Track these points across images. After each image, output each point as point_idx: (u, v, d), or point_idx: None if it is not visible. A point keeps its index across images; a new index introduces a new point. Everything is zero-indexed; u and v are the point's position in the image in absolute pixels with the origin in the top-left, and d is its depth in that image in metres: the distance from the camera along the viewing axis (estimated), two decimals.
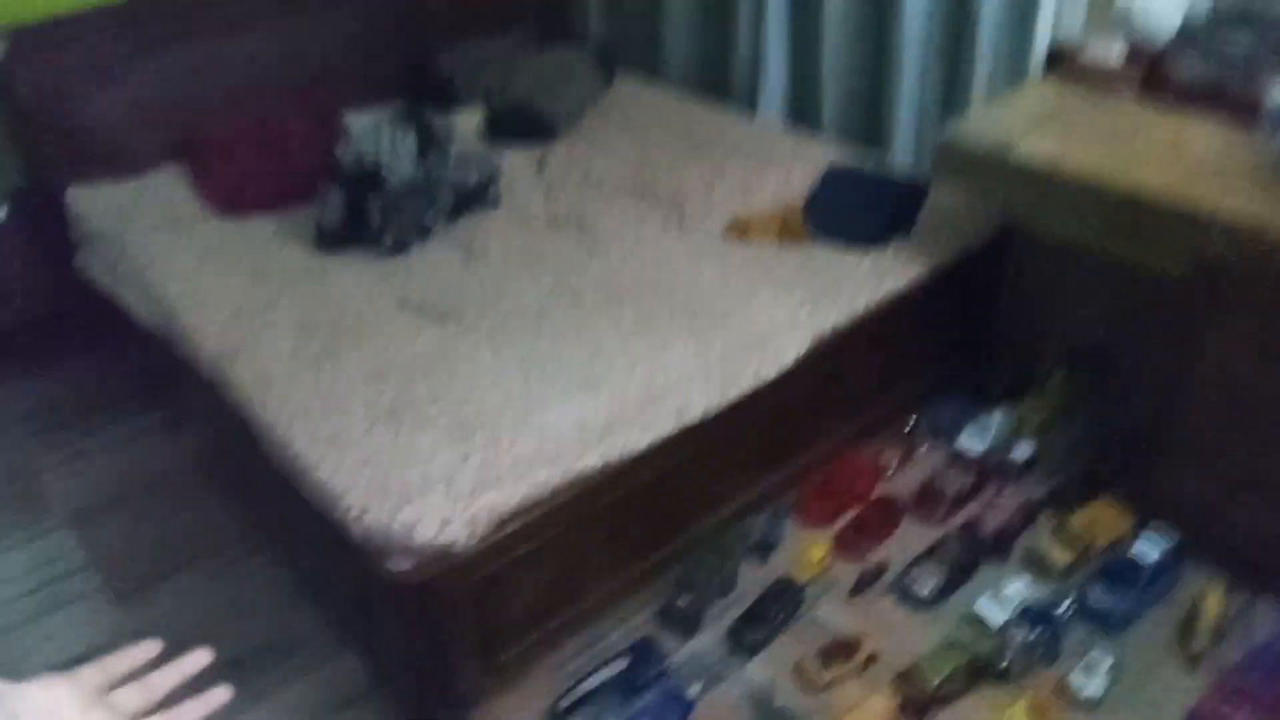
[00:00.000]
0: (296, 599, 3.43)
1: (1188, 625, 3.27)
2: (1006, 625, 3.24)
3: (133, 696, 0.79)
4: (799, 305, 3.62)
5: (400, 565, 2.70)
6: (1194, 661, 3.21)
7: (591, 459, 3.00)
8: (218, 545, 3.63)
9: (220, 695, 0.82)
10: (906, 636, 3.32)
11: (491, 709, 3.07)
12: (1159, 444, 3.55)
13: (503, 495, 2.83)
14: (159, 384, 3.93)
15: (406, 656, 3.03)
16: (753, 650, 3.29)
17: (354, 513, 2.73)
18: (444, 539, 2.70)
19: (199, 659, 0.86)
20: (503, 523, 2.84)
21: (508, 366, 3.29)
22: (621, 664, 3.14)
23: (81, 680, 0.77)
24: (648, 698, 3.10)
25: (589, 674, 3.12)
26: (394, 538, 2.68)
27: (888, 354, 3.98)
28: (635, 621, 3.36)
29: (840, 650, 3.22)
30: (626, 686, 3.11)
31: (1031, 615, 3.23)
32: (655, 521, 3.39)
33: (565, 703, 3.02)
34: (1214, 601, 3.26)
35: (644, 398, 3.19)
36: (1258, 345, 3.12)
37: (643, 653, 3.20)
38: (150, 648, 0.84)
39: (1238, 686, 2.96)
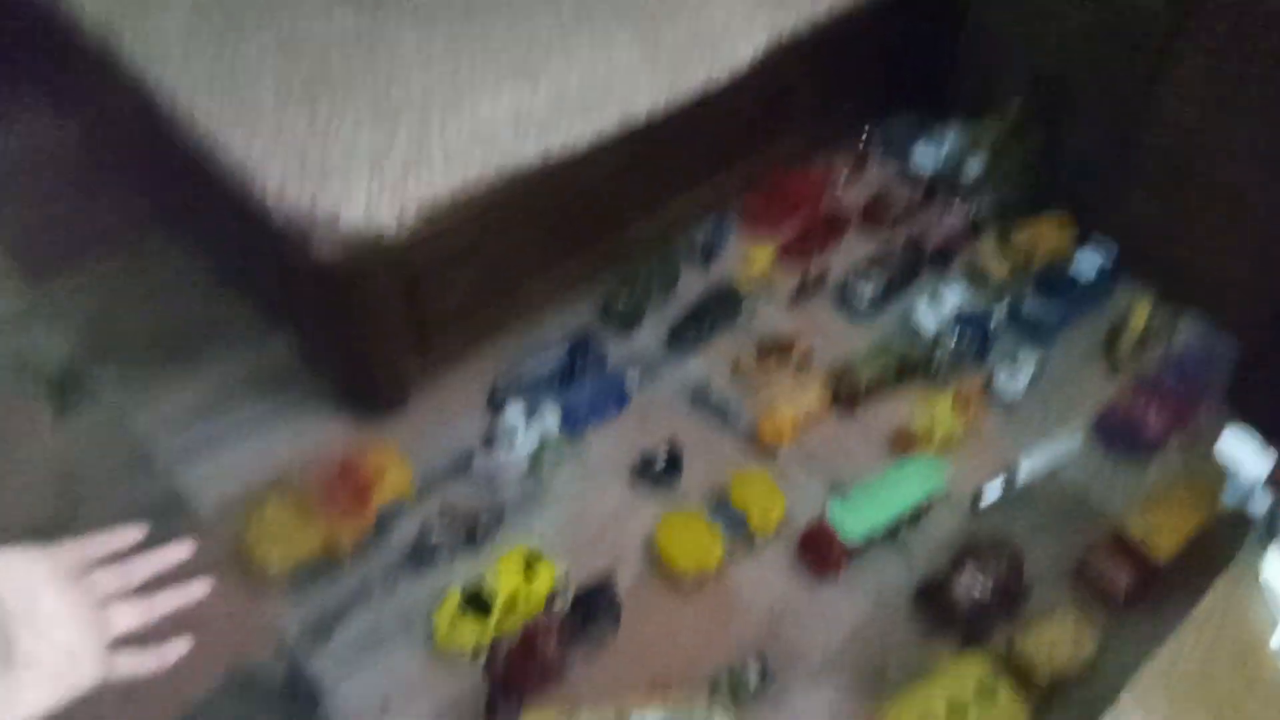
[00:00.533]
0: (216, 285, 3.31)
1: (1114, 334, 3.36)
2: (940, 332, 3.28)
3: (111, 579, 0.76)
4: (756, 5, 3.35)
5: (325, 252, 2.57)
6: (1116, 368, 3.32)
7: (530, 151, 2.83)
8: (124, 230, 3.45)
9: (199, 589, 0.80)
10: (842, 340, 3.37)
11: (428, 396, 3.09)
12: (1110, 166, 3.52)
13: (435, 182, 2.68)
14: (41, 62, 3.61)
15: (336, 348, 2.99)
16: (690, 348, 3.33)
17: (271, 194, 2.57)
18: (372, 225, 2.57)
19: (180, 550, 0.82)
20: (436, 213, 2.70)
21: (435, 48, 3.02)
22: (560, 354, 3.16)
23: (60, 556, 0.73)
24: (586, 386, 3.14)
25: (527, 362, 3.14)
26: (317, 221, 2.54)
27: (846, 67, 3.77)
28: (575, 319, 3.35)
29: (776, 348, 3.27)
30: (564, 375, 3.14)
31: (964, 320, 3.27)
32: (597, 223, 3.29)
33: (503, 387, 3.04)
34: (1141, 312, 3.33)
35: (585, 92, 2.98)
36: (1215, 77, 3.05)
37: (581, 345, 3.21)
38: (132, 533, 0.80)
39: (1151, 387, 3.07)
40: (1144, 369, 3.26)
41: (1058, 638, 2.35)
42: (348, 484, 2.79)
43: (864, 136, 4.09)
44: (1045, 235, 3.59)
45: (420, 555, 2.71)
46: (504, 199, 2.83)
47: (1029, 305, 3.33)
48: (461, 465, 2.96)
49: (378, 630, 2.56)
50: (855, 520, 2.70)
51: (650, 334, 3.41)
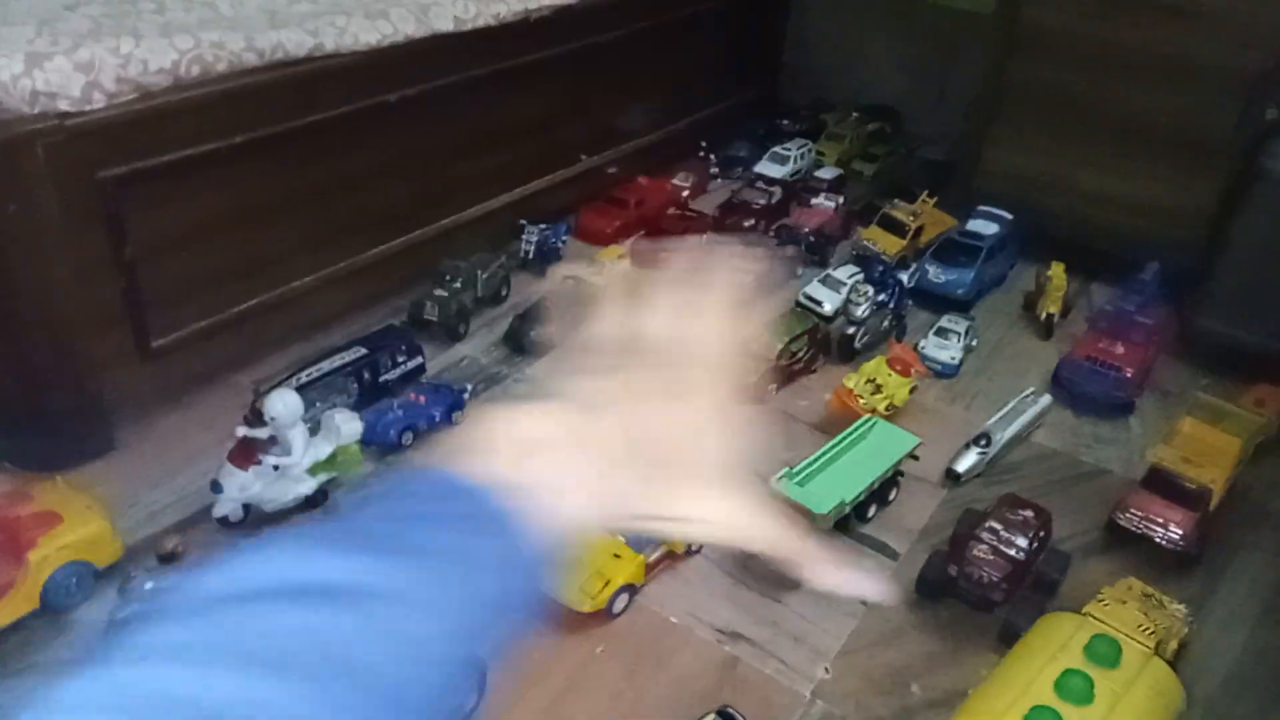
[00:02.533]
0: None
1: (1036, 297, 2.88)
2: (845, 306, 2.65)
3: None
4: None
5: None
6: (1047, 329, 2.80)
7: (277, 39, 2.01)
8: None
9: None
10: None
11: (149, 435, 2.01)
12: (980, 142, 3.21)
13: (143, 49, 1.80)
14: None
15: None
16: (535, 349, 2.49)
17: None
18: (44, 85, 1.64)
19: None
20: (151, 99, 1.81)
21: None
22: (355, 351, 2.21)
23: None
24: (400, 394, 2.18)
25: (310, 362, 2.15)
26: None
27: (672, 61, 3.38)
28: (363, 325, 2.45)
29: None
30: (365, 379, 2.18)
31: (867, 295, 2.64)
32: (381, 202, 2.47)
33: (271, 382, 2.02)
34: (1059, 273, 2.87)
35: None
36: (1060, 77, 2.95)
37: (385, 341, 2.28)
38: None
39: (1108, 330, 2.53)
40: (1074, 331, 2.73)
41: (1134, 616, 1.56)
42: None
43: (702, 153, 3.59)
44: (929, 215, 3.13)
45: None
46: (250, 116, 2.00)
47: (934, 273, 2.78)
48: (199, 513, 1.88)
49: None
50: (818, 494, 1.86)
51: (476, 344, 2.54)
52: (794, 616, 1.80)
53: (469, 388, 2.29)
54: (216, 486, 1.85)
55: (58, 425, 2.00)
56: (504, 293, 2.73)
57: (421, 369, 2.34)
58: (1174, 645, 1.67)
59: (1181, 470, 2.02)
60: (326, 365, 2.17)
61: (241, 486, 1.86)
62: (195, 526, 1.85)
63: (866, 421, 2.14)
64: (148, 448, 2.06)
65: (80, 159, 1.76)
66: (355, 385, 2.20)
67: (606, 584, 1.73)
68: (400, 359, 2.31)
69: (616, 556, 1.78)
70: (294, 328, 2.36)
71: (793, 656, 1.72)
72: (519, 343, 2.50)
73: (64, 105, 1.71)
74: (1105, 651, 1.40)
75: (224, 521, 1.87)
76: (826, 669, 1.71)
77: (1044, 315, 2.79)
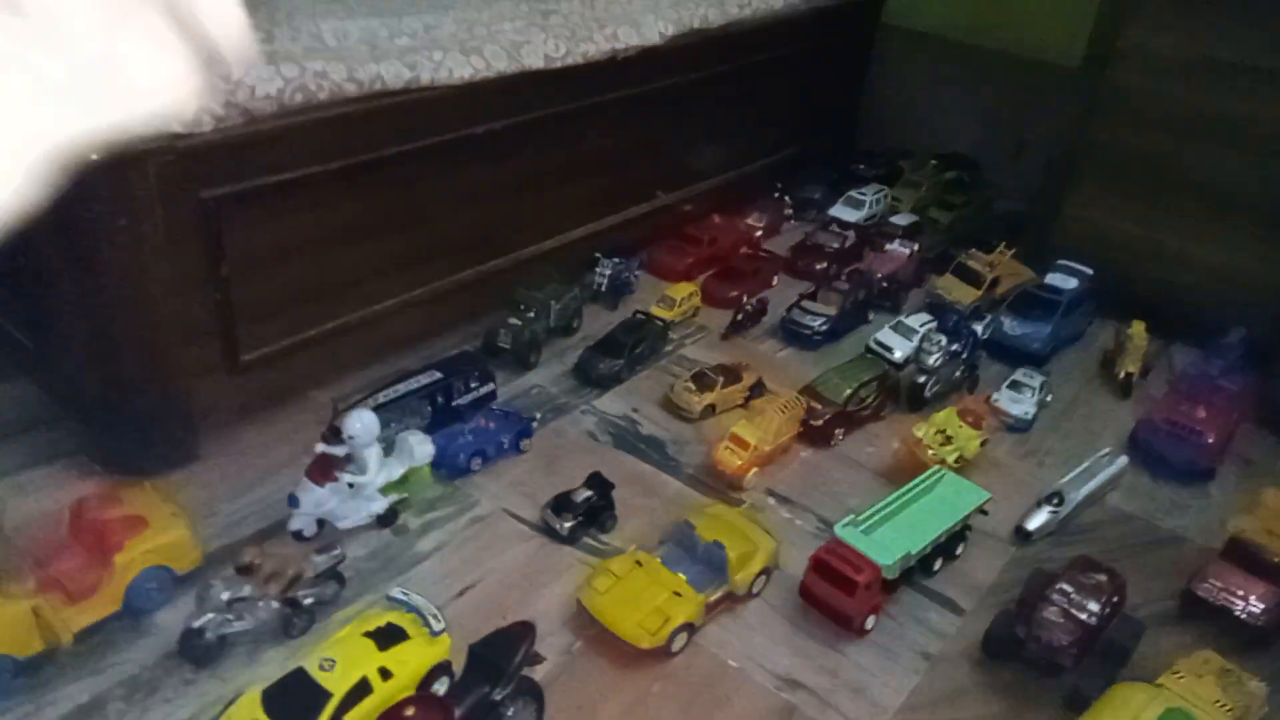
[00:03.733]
0: None
1: (1115, 355, 2.82)
2: (917, 354, 2.63)
3: None
4: None
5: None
6: (1125, 389, 2.74)
7: (376, 70, 2.09)
8: None
9: None
10: (795, 373, 2.64)
11: (233, 445, 2.07)
12: (1060, 196, 3.19)
13: (251, 75, 1.89)
14: None
15: (92, 355, 1.97)
16: (605, 382, 2.51)
17: None
18: (156, 116, 1.74)
19: None
20: (255, 121, 1.90)
21: None
22: (431, 375, 2.26)
23: None
24: (471, 420, 2.22)
25: (387, 383, 2.20)
26: None
27: (750, 103, 3.41)
28: (439, 350, 2.49)
29: (721, 374, 2.49)
30: (439, 402, 2.22)
31: (940, 344, 2.61)
32: (467, 239, 2.54)
33: (350, 401, 2.06)
34: (1139, 332, 2.81)
35: (466, 26, 2.34)
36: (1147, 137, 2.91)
37: (459, 366, 2.32)
38: None
39: (1189, 393, 2.47)
40: (1153, 392, 2.67)
41: (1209, 694, 1.51)
42: (79, 540, 1.71)
43: (776, 194, 3.62)
44: (1006, 266, 3.10)
45: (196, 649, 1.63)
46: (346, 144, 2.09)
47: (1010, 326, 2.75)
48: (275, 525, 1.94)
49: None
50: (883, 544, 1.85)
51: (546, 374, 2.57)
52: (854, 667, 1.77)
53: (537, 417, 2.33)
54: (294, 500, 1.90)
55: (146, 432, 2.07)
56: (576, 324, 2.76)
57: (493, 395, 2.37)
58: None
59: (1264, 542, 1.95)
60: (403, 387, 2.22)
61: (317, 502, 1.91)
62: (273, 536, 1.90)
63: (935, 473, 2.11)
64: (230, 459, 2.12)
65: (188, 178, 1.84)
66: (429, 408, 2.25)
67: (666, 621, 1.73)
68: (473, 385, 2.35)
69: (677, 594, 1.78)
70: (373, 349, 2.42)
71: (852, 709, 1.69)
72: (588, 375, 2.53)
73: (177, 127, 1.79)
74: None
75: (298, 535, 1.92)
76: None
77: (1122, 374, 2.73)
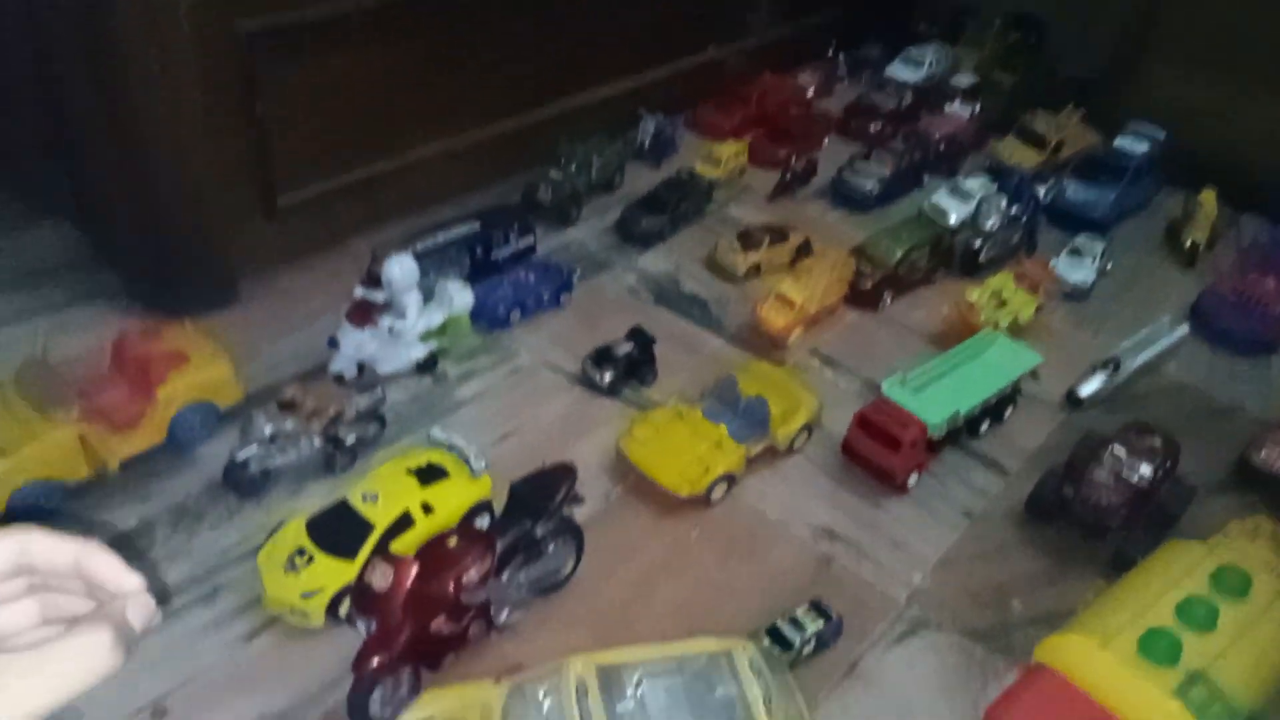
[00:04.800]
0: None
1: (1182, 224, 2.69)
2: (973, 217, 2.52)
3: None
4: None
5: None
6: (1190, 258, 2.62)
7: None
8: None
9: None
10: (844, 233, 2.56)
11: (270, 287, 2.06)
12: (1132, 62, 2.97)
13: None
14: None
15: (129, 191, 1.94)
16: (646, 239, 2.45)
17: None
18: None
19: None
20: None
21: None
22: (471, 226, 2.21)
23: None
24: (511, 271, 2.19)
25: (427, 232, 2.16)
26: None
27: None
28: (478, 203, 2.43)
29: (767, 233, 2.42)
30: (478, 253, 2.18)
31: (998, 206, 2.50)
32: (510, 86, 2.43)
33: (388, 248, 2.02)
34: (1210, 201, 2.66)
35: None
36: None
37: (500, 218, 2.27)
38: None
39: (1259, 265, 2.35)
40: (1219, 264, 2.54)
41: (1260, 561, 1.46)
42: (123, 373, 1.72)
43: (831, 52, 3.43)
44: (1071, 128, 2.94)
45: (240, 480, 1.65)
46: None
47: (1073, 191, 2.61)
48: (315, 369, 1.93)
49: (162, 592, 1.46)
50: (930, 403, 1.80)
51: (586, 230, 2.51)
52: (893, 522, 1.76)
53: (578, 270, 2.28)
54: (333, 342, 1.89)
55: (186, 273, 2.06)
56: (617, 180, 2.68)
57: (533, 249, 2.32)
58: None
59: None
60: (442, 237, 2.18)
61: (357, 345, 1.90)
62: (313, 378, 1.90)
63: (987, 335, 2.05)
64: (269, 303, 2.11)
65: (220, 9, 1.77)
66: (468, 259, 2.20)
67: (707, 470, 1.72)
68: (513, 237, 2.30)
69: (718, 445, 1.76)
70: (411, 199, 2.37)
71: (889, 560, 1.68)
72: (630, 232, 2.46)
73: None
74: (1234, 582, 1.32)
75: (339, 378, 1.91)
76: (923, 577, 1.67)
77: (1189, 243, 2.60)
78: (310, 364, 1.96)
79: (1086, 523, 1.70)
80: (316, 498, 1.64)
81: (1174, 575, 1.37)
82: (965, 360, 1.99)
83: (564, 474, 1.56)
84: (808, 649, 1.49)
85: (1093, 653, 1.26)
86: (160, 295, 2.06)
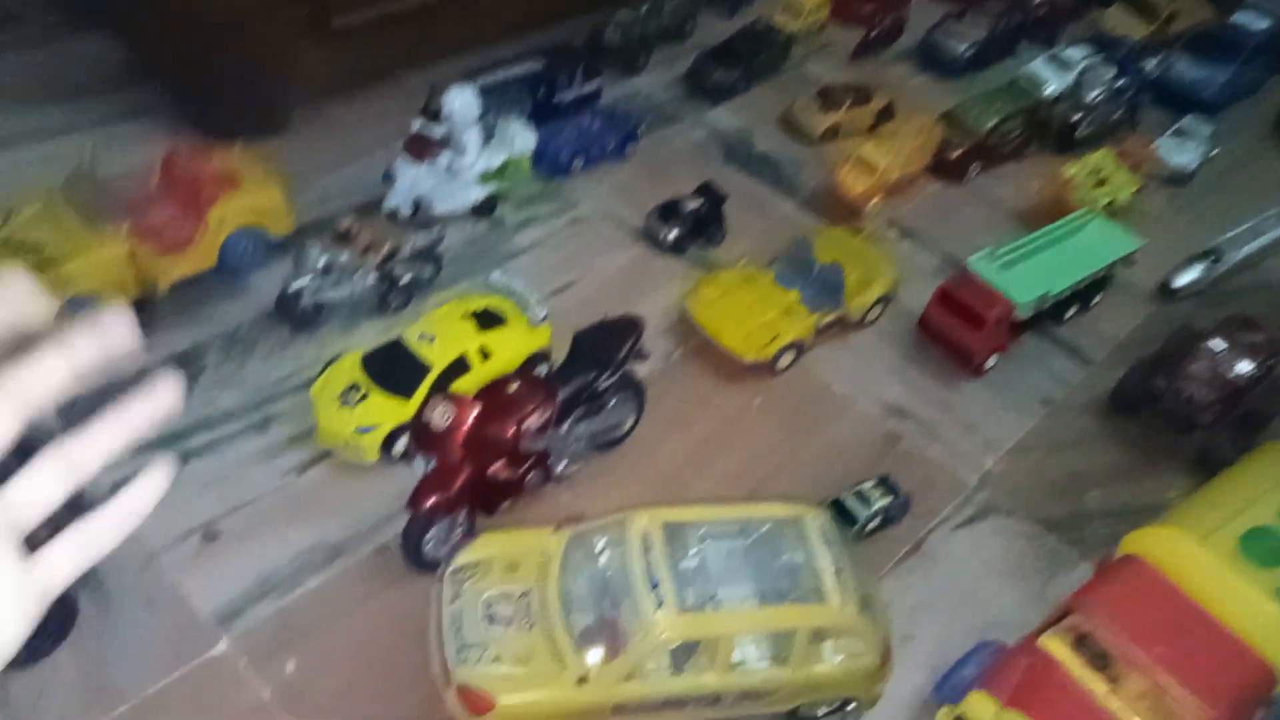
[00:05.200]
0: None
1: None
2: (1074, 89, 2.33)
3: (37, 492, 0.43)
4: None
5: None
6: None
7: None
8: None
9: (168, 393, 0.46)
10: (931, 99, 2.40)
11: (325, 119, 1.97)
12: None
13: None
14: None
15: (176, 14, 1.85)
16: (718, 93, 2.31)
17: None
18: None
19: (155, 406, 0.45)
20: None
21: None
22: (534, 65, 2.08)
23: None
24: (576, 116, 2.07)
25: (488, 69, 2.03)
26: None
27: None
28: (539, 44, 2.29)
29: (849, 93, 2.27)
30: (541, 94, 2.07)
31: (1102, 78, 2.30)
32: None
33: (448, 84, 1.92)
34: None
35: None
36: None
37: (565, 59, 2.14)
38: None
39: None
40: None
41: None
42: (172, 193, 1.64)
43: None
44: (1184, 2, 2.68)
45: (293, 311, 1.58)
46: None
47: (1184, 65, 2.39)
48: (370, 202, 1.85)
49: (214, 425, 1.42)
50: (1020, 281, 1.68)
51: (656, 79, 2.36)
52: (968, 404, 1.68)
53: (645, 121, 2.15)
54: (388, 176, 1.80)
55: (238, 94, 1.95)
56: (689, 27, 2.51)
57: (598, 95, 2.19)
58: None
59: None
60: (504, 74, 2.05)
61: (414, 180, 1.81)
62: (367, 214, 1.82)
63: (1084, 214, 1.91)
64: (322, 134, 2.02)
65: None
66: (530, 99, 2.08)
67: (775, 338, 1.64)
68: (578, 80, 2.16)
69: (787, 312, 1.67)
70: (472, 31, 2.22)
71: (961, 442, 1.62)
72: (701, 84, 2.31)
73: None
74: None
75: (393, 216, 1.83)
76: (995, 461, 1.60)
77: None
78: (364, 198, 1.88)
79: (1176, 417, 1.61)
80: (370, 335, 1.58)
81: (1277, 476, 1.28)
82: (1059, 239, 1.86)
83: (630, 327, 1.49)
84: (872, 525, 1.43)
85: (1190, 547, 1.19)
86: (210, 116, 1.96)
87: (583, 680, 1.43)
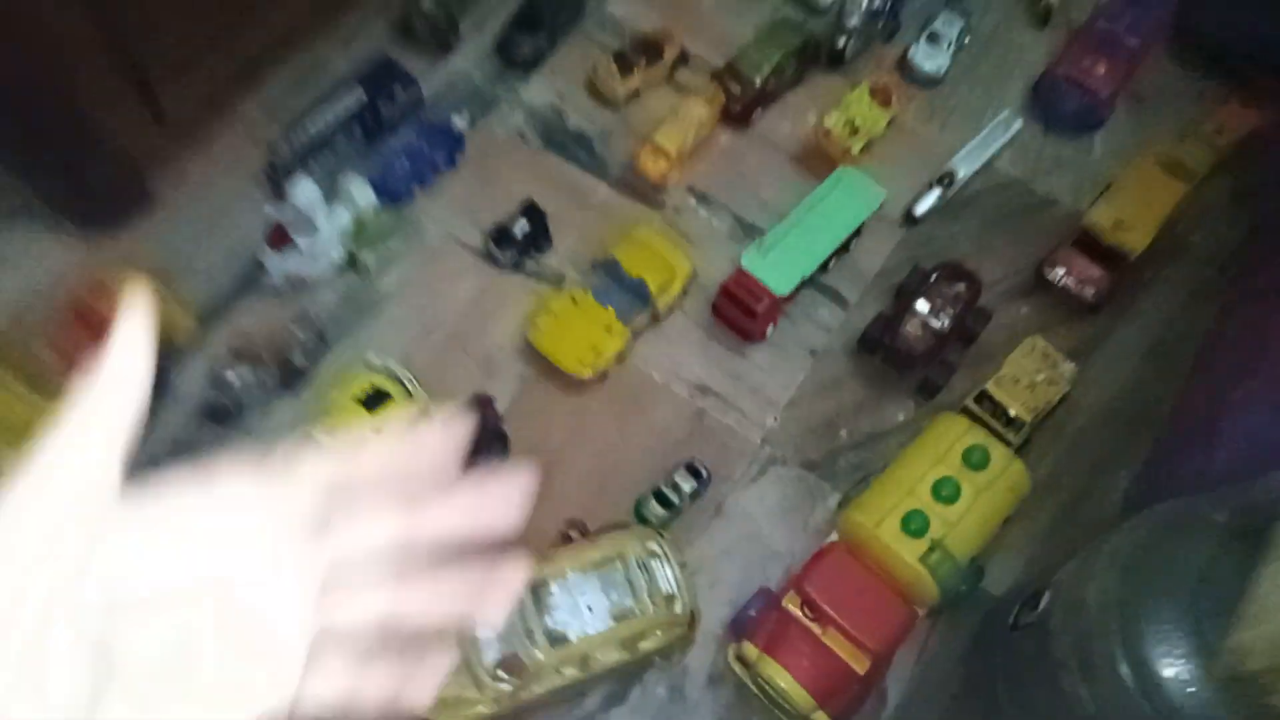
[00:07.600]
0: None
1: None
2: (836, 14, 2.58)
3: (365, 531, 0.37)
4: None
5: None
6: (1044, 18, 2.74)
7: None
8: None
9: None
10: (721, 27, 2.62)
11: (179, 184, 2.20)
12: None
13: None
14: None
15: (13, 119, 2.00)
16: (529, 64, 2.51)
17: None
18: None
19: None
20: None
21: None
22: (356, 95, 2.28)
23: (294, 486, 0.36)
24: (403, 135, 2.31)
25: (312, 111, 2.25)
26: None
27: None
28: (360, 45, 2.44)
29: (642, 51, 2.50)
30: (369, 123, 2.30)
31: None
32: None
33: (286, 151, 2.17)
34: None
35: None
36: None
37: (381, 78, 2.33)
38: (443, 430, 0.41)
39: (1092, 37, 2.52)
40: (1073, 20, 2.67)
41: (1030, 374, 1.92)
42: (86, 331, 1.97)
43: None
44: None
45: (218, 414, 1.99)
46: None
47: None
48: (250, 275, 2.17)
49: None
50: (781, 270, 2.13)
51: (470, 55, 2.54)
52: (754, 369, 2.18)
53: (466, 116, 2.36)
54: (262, 268, 2.11)
55: (101, 187, 2.18)
56: None
57: (420, 101, 2.39)
58: (1055, 402, 2.10)
59: (1111, 235, 2.25)
60: (332, 117, 2.25)
61: (281, 263, 2.13)
62: (249, 290, 2.13)
63: (837, 176, 2.29)
64: (185, 198, 2.22)
65: None
66: (359, 129, 2.31)
67: (599, 355, 2.09)
68: (398, 91, 2.36)
69: (608, 329, 2.11)
70: (286, 54, 2.37)
71: (750, 407, 2.14)
72: (510, 58, 2.49)
73: None
74: (977, 459, 1.83)
75: (278, 293, 2.16)
76: (775, 418, 2.15)
77: (1042, 2, 2.71)
78: (243, 268, 2.17)
79: (897, 361, 2.14)
80: (285, 414, 2.01)
81: (939, 454, 1.87)
82: (816, 204, 2.27)
83: (481, 406, 1.94)
84: (685, 503, 2.01)
85: (869, 530, 1.79)
86: (85, 211, 2.19)
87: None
